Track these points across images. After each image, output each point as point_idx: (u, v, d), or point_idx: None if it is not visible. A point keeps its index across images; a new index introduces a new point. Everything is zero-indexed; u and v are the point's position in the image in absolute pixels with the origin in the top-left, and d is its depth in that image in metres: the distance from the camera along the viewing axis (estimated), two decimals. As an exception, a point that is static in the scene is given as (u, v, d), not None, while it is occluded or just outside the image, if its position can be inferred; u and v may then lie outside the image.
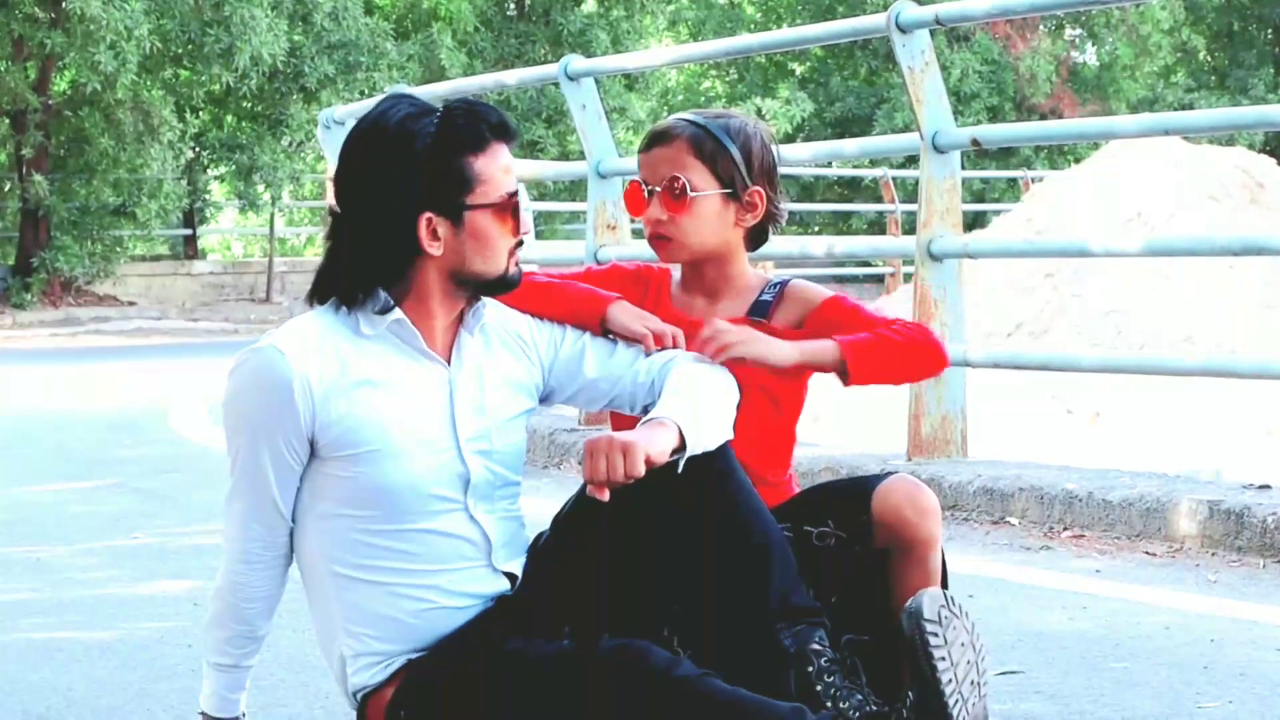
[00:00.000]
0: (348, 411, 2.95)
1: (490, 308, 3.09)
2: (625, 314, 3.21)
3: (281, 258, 29.02)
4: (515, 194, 2.98)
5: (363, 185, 2.96)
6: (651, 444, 2.82)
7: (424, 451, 2.98)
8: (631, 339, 3.18)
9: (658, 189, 3.30)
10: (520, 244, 3.01)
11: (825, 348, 3.18)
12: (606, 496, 2.82)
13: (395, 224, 2.94)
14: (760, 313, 3.34)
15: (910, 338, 3.25)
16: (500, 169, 2.96)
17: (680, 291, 3.40)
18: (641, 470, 2.79)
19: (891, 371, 3.23)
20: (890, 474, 3.21)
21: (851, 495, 3.19)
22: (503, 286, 3.03)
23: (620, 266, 3.47)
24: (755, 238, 3.38)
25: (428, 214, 2.94)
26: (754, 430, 3.23)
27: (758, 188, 3.32)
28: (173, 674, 4.14)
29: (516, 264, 3.02)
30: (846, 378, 3.19)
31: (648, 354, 3.15)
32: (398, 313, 2.98)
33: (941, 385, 6.65)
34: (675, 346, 3.17)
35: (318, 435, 2.95)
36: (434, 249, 2.95)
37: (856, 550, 3.15)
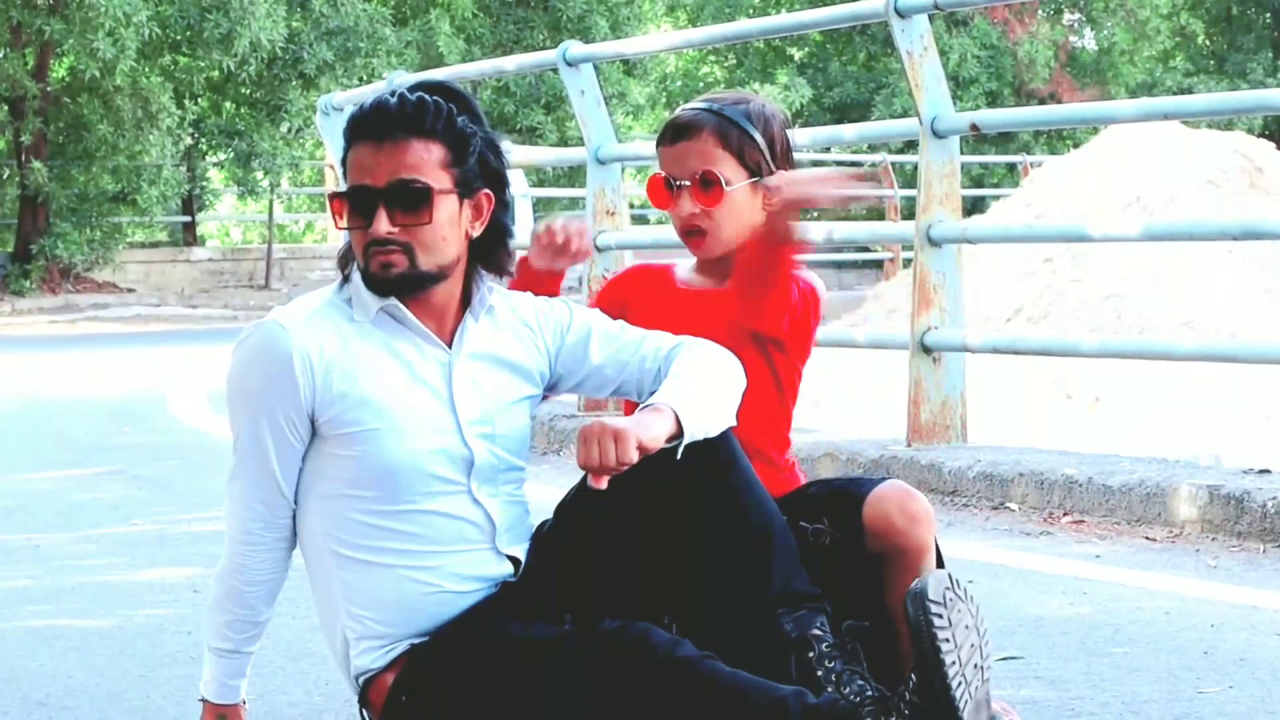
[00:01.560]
0: (348, 389, 2.95)
1: (498, 294, 3.09)
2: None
3: (280, 244, 29.04)
4: (350, 192, 2.92)
5: None
6: (644, 429, 2.81)
7: (424, 431, 2.97)
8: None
9: (686, 183, 3.30)
10: (379, 243, 2.91)
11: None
12: (604, 485, 2.81)
13: None
14: None
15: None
16: (353, 164, 2.94)
17: (693, 274, 3.41)
18: (634, 456, 2.78)
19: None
20: (883, 480, 3.20)
21: (846, 498, 3.17)
22: (367, 283, 2.98)
23: (613, 282, 3.49)
24: None
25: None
26: (754, 409, 3.22)
27: (782, 170, 3.33)
28: (172, 661, 4.14)
29: (380, 266, 2.93)
30: None
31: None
32: (391, 298, 2.98)
33: (941, 370, 6.65)
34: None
35: (318, 412, 2.95)
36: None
37: (851, 554, 3.14)
